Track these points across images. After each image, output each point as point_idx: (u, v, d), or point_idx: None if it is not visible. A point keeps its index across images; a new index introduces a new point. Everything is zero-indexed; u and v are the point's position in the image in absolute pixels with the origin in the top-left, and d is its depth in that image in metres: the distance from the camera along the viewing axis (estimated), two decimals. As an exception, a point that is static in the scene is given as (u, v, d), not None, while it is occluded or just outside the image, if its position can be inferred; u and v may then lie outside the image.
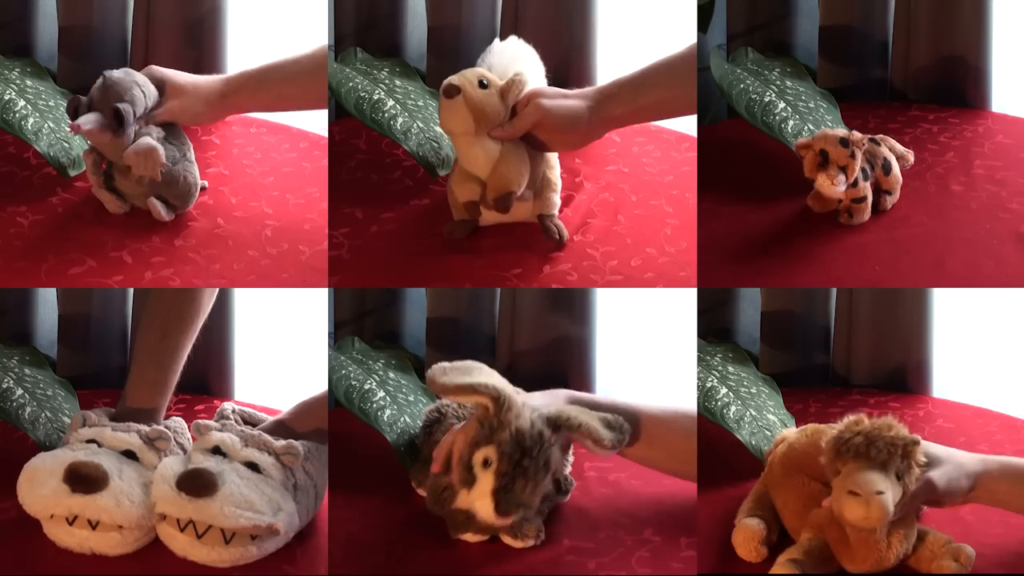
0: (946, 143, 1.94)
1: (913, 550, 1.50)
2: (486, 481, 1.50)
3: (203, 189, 1.80)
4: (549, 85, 1.76)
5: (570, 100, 1.65)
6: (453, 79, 1.62)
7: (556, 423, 1.53)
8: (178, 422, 1.70)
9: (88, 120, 1.68)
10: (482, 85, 1.62)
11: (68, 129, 1.72)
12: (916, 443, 1.46)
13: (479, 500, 1.50)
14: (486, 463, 1.50)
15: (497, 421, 1.50)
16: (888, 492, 1.42)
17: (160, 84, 1.74)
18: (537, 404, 1.55)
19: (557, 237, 1.72)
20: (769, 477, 1.62)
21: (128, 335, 1.98)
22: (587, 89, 1.67)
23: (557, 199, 1.74)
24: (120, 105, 1.68)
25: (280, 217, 1.78)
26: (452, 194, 1.72)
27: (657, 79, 1.65)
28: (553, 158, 1.73)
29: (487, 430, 1.51)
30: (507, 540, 1.57)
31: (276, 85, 1.76)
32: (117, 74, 1.71)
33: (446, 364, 1.55)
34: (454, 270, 1.70)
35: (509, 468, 1.49)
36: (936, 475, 1.47)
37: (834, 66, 2.04)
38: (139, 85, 1.71)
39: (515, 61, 1.73)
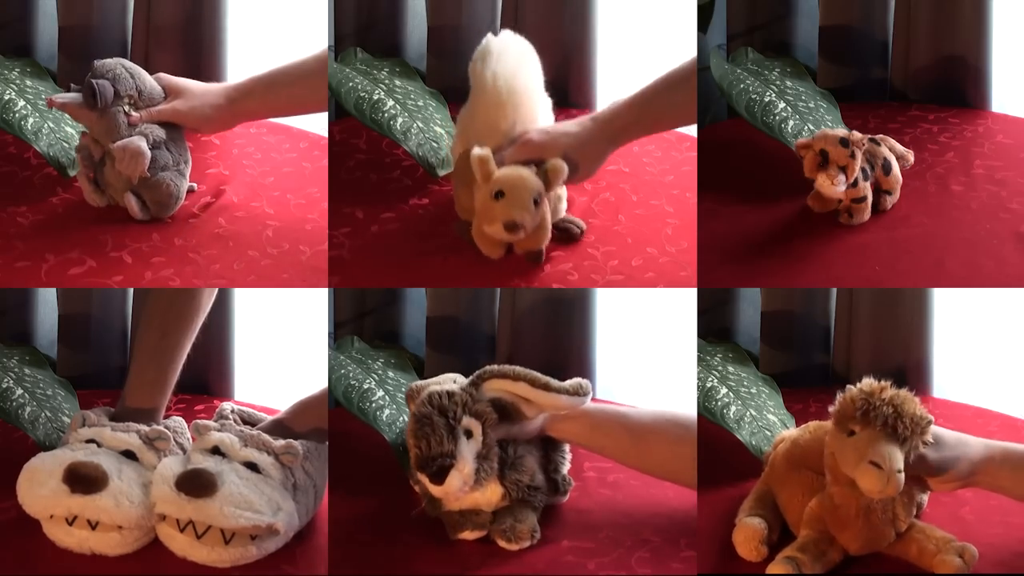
0: (946, 143, 1.94)
1: (917, 546, 1.50)
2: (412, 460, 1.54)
3: (191, 192, 1.80)
4: (548, 81, 1.78)
5: (583, 155, 1.65)
6: (516, 217, 1.61)
7: (479, 375, 1.57)
8: (178, 421, 1.69)
9: (63, 95, 1.72)
10: (536, 204, 1.63)
11: (47, 106, 1.76)
12: (930, 423, 1.47)
13: (423, 482, 1.53)
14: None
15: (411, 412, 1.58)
16: (903, 470, 1.43)
17: (167, 88, 1.75)
18: None
19: (579, 231, 1.74)
20: (771, 475, 1.62)
21: (128, 335, 1.98)
22: (594, 124, 1.67)
23: (564, 205, 1.76)
24: (95, 80, 1.69)
25: (281, 217, 1.78)
26: (458, 196, 1.72)
27: (661, 101, 1.66)
28: None
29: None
30: (501, 543, 1.57)
31: (285, 88, 1.75)
32: (107, 60, 1.73)
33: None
34: (454, 270, 1.70)
35: (415, 439, 1.52)
36: (929, 452, 1.48)
37: (834, 66, 2.04)
38: (127, 69, 1.72)
39: (520, 67, 1.73)
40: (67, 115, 1.88)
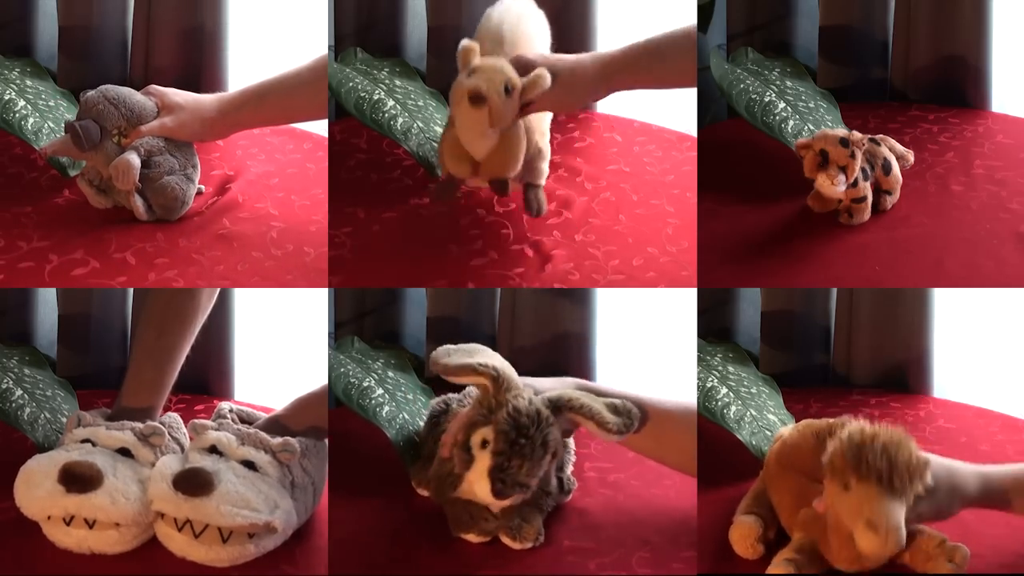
0: (946, 143, 1.94)
1: (908, 554, 1.49)
2: (483, 461, 1.49)
3: (199, 194, 1.80)
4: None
5: (574, 82, 1.62)
6: (480, 86, 1.58)
7: (557, 404, 1.52)
8: (173, 417, 1.69)
9: (53, 143, 1.74)
10: (507, 90, 1.60)
11: (41, 155, 1.80)
12: (928, 464, 1.45)
13: (477, 481, 1.50)
14: (484, 444, 1.50)
15: (495, 401, 1.51)
16: (903, 523, 1.42)
17: (159, 102, 1.75)
18: (541, 387, 1.55)
19: (535, 209, 1.71)
20: (767, 474, 1.62)
21: (128, 335, 1.98)
22: (592, 60, 1.64)
23: (546, 167, 1.73)
24: (78, 124, 1.71)
25: (285, 218, 1.78)
26: (441, 153, 1.70)
27: (666, 48, 1.64)
28: (544, 124, 1.73)
29: (485, 410, 1.51)
30: (507, 541, 1.57)
31: (278, 99, 1.75)
32: (91, 93, 1.73)
33: (450, 346, 1.55)
34: (455, 270, 1.70)
35: (506, 447, 1.48)
36: (923, 506, 1.46)
37: (834, 66, 2.04)
38: (110, 100, 1.72)
39: (527, 18, 1.73)
40: (67, 116, 1.89)
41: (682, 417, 1.60)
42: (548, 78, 1.60)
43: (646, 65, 1.64)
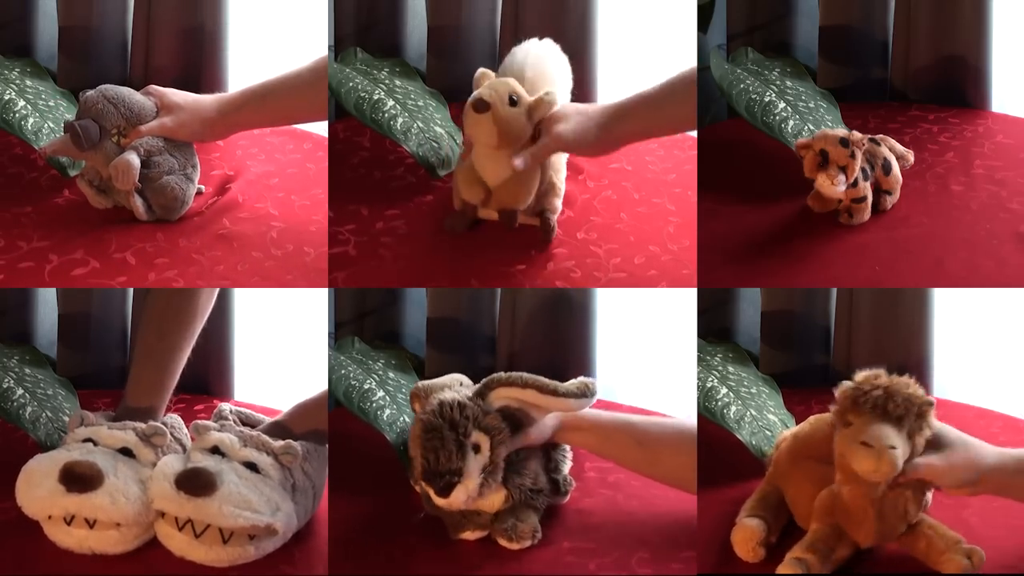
0: (946, 143, 1.94)
1: (926, 541, 1.50)
2: (417, 470, 1.53)
3: (199, 194, 1.80)
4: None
5: (584, 122, 1.63)
6: (484, 94, 1.62)
7: (486, 385, 1.56)
8: (175, 419, 1.70)
9: (53, 143, 1.74)
10: (512, 102, 1.62)
11: (41, 155, 1.80)
12: (931, 404, 1.46)
13: (429, 493, 1.53)
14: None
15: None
16: (899, 448, 1.43)
17: (158, 102, 1.75)
18: None
19: (548, 232, 1.72)
20: (776, 473, 1.62)
21: (128, 335, 1.98)
22: (603, 106, 1.65)
23: (559, 203, 1.74)
24: (77, 123, 1.71)
25: (285, 218, 1.78)
26: (456, 185, 1.71)
27: (668, 98, 1.63)
28: (560, 162, 1.74)
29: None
30: (502, 542, 1.57)
31: (278, 100, 1.74)
32: (90, 93, 1.73)
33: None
34: (457, 269, 1.70)
35: (421, 449, 1.52)
36: (935, 459, 1.47)
37: (834, 66, 2.04)
38: (110, 100, 1.72)
39: (544, 60, 1.74)
40: (67, 116, 1.89)
41: (675, 441, 1.61)
42: (556, 96, 1.63)
43: (646, 113, 1.64)
